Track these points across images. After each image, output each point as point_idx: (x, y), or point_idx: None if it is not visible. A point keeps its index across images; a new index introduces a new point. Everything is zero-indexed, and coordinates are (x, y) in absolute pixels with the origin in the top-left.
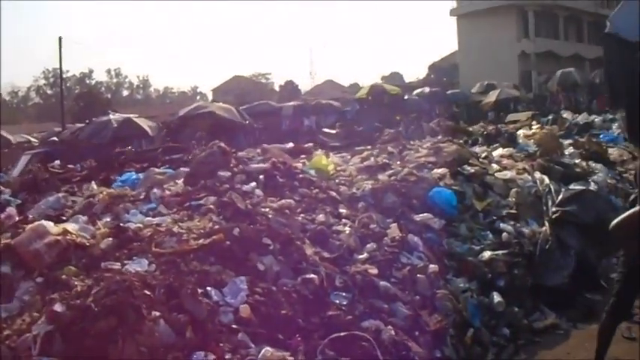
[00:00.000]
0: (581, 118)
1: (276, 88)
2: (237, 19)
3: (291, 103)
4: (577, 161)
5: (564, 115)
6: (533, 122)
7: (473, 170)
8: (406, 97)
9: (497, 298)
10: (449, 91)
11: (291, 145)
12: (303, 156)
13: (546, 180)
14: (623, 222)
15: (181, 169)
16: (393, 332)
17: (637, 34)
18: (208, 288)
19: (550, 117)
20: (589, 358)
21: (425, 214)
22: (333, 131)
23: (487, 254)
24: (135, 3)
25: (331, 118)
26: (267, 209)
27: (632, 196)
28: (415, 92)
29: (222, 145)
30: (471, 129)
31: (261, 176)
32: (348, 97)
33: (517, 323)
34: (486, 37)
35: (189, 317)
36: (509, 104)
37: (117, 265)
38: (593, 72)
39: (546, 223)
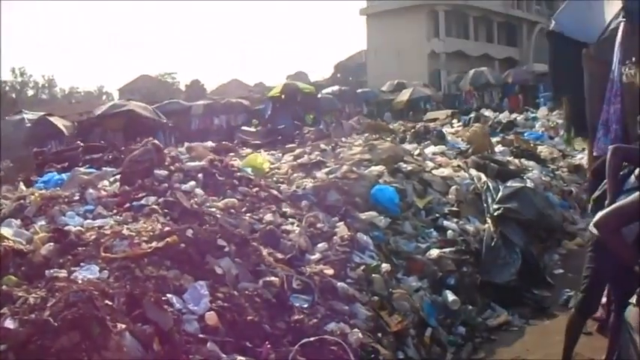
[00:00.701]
0: (503, 116)
1: (182, 88)
2: (141, 18)
3: (201, 102)
4: (509, 159)
5: (486, 114)
6: (454, 120)
7: (410, 167)
8: (319, 96)
9: (450, 296)
10: (359, 90)
11: (210, 143)
12: (231, 154)
13: (483, 177)
14: (608, 217)
15: (105, 168)
16: (360, 335)
17: (582, 34)
18: (169, 295)
19: (472, 115)
20: (548, 353)
21: (370, 213)
22: (253, 129)
23: (435, 252)
24: (38, 3)
25: (241, 117)
26: (214, 209)
27: (597, 193)
28: (325, 91)
29: (156, 142)
30: (391, 127)
31: (199, 175)
32: (256, 96)
33: (472, 321)
34: (396, 37)
35: (155, 328)
36: (420, 103)
37: (63, 273)
38: (506, 72)
39: (488, 221)
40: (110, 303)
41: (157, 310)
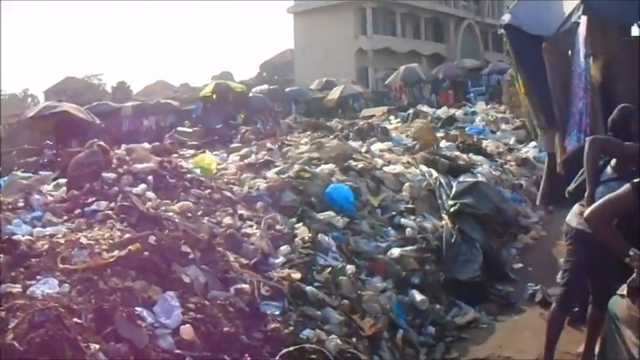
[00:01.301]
0: (442, 111)
1: (109, 89)
2: (65, 19)
3: (130, 104)
4: (457, 154)
5: (424, 109)
6: (391, 117)
7: (361, 165)
8: (250, 95)
9: (418, 296)
10: (287, 89)
11: (146, 145)
12: (174, 155)
13: (435, 173)
14: (599, 210)
15: (42, 172)
16: (339, 341)
17: (539, 27)
18: (138, 309)
19: (410, 111)
20: (522, 349)
21: (328, 213)
22: (189, 130)
23: (396, 251)
24: None
25: (171, 118)
26: (171, 213)
27: (573, 185)
28: (254, 90)
29: (102, 143)
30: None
31: (149, 177)
32: (184, 97)
33: (441, 321)
34: (324, 35)
35: (129, 346)
36: (351, 100)
37: (17, 288)
38: (436, 68)
39: (445, 217)
40: (79, 321)
41: (130, 326)
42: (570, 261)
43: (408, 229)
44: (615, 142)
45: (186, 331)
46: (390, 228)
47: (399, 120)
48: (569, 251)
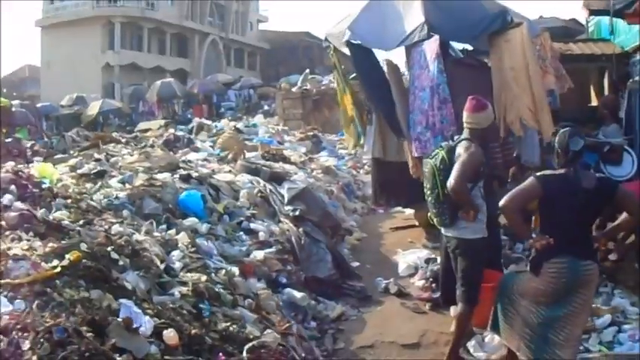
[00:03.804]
0: (222, 124)
1: None
2: None
3: None
4: (270, 163)
5: (208, 123)
6: (170, 130)
7: (198, 173)
8: (14, 109)
9: (297, 293)
10: (39, 104)
11: None
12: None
13: (261, 181)
14: (509, 200)
15: None
16: (277, 335)
17: (379, 43)
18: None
19: (194, 124)
20: (401, 334)
21: (191, 219)
22: None
23: (259, 254)
24: None
25: None
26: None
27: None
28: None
29: None
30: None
31: (12, 186)
32: None
33: (318, 315)
34: (71, 49)
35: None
36: (112, 115)
37: None
38: (192, 82)
39: (286, 221)
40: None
41: (130, 336)
42: (465, 266)
43: (260, 233)
44: None
45: (170, 337)
46: (242, 232)
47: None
48: (462, 258)
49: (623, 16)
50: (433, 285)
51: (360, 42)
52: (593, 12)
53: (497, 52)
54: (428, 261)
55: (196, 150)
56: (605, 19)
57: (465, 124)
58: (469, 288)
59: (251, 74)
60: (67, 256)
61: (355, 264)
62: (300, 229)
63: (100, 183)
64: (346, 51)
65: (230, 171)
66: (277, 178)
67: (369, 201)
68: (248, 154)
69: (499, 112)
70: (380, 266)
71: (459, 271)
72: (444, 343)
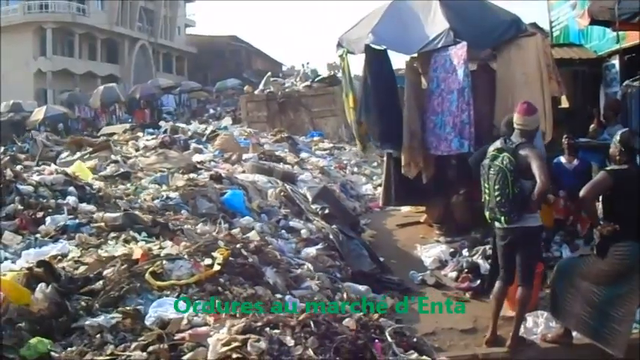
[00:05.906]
0: (194, 127)
1: None
2: None
3: None
4: (273, 164)
5: (183, 126)
6: (140, 134)
7: (224, 174)
8: None
9: (359, 287)
10: None
11: None
12: None
13: (279, 181)
14: (588, 190)
15: None
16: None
17: (401, 47)
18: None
19: (167, 127)
20: (455, 320)
21: (247, 218)
22: None
23: (312, 250)
24: None
25: None
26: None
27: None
28: None
29: None
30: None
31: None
32: None
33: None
34: (2, 56)
35: None
36: (61, 121)
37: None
38: (134, 87)
39: (317, 219)
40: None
41: None
42: (531, 251)
43: (303, 231)
44: None
45: None
46: (283, 231)
47: (153, 137)
48: (528, 244)
49: (608, 25)
50: (470, 275)
51: (384, 46)
52: (595, 22)
53: (505, 57)
54: (454, 254)
55: (200, 151)
56: (574, 26)
57: (516, 126)
58: (531, 272)
59: (179, 79)
60: (214, 254)
61: (381, 259)
62: (333, 226)
63: (133, 184)
64: (359, 56)
65: (244, 171)
66: (288, 178)
67: (364, 200)
68: (245, 155)
69: (503, 113)
70: (404, 261)
71: (525, 258)
72: (498, 328)
